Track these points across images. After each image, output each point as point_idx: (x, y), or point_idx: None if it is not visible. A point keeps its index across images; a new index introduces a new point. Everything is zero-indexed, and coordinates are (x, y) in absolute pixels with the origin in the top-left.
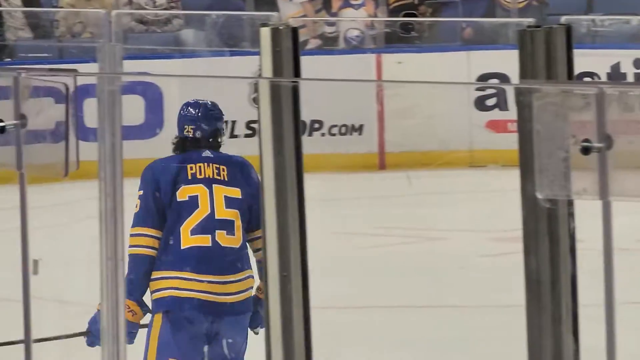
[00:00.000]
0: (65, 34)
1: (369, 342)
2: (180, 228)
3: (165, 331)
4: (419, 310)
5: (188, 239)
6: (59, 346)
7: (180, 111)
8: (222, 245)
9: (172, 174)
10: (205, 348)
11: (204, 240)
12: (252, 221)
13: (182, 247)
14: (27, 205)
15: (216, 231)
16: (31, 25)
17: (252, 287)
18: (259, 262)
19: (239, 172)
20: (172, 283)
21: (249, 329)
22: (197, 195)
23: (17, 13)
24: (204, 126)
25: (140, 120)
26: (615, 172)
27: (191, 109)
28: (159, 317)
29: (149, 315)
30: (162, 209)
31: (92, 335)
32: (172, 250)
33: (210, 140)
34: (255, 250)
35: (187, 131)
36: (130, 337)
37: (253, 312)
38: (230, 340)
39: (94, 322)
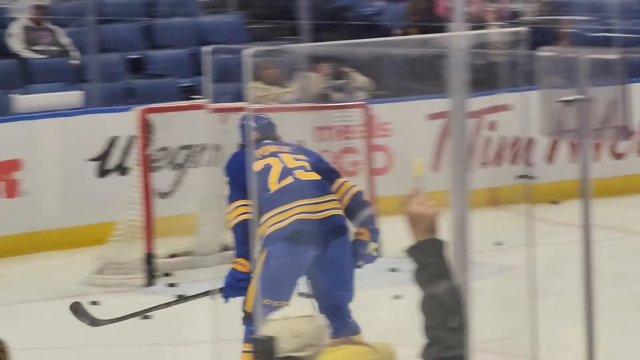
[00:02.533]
0: None
1: None
2: (267, 185)
3: (268, 260)
4: None
5: (275, 185)
6: None
7: (242, 123)
8: (302, 179)
9: (244, 162)
10: (305, 271)
11: (287, 180)
12: (327, 179)
13: (271, 192)
14: None
15: (294, 171)
16: None
17: (338, 209)
18: (354, 200)
19: (298, 148)
20: (272, 220)
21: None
22: (269, 163)
23: None
24: (267, 132)
25: None
26: None
27: (253, 121)
28: (264, 252)
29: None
30: (244, 187)
31: (226, 290)
32: (266, 200)
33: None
34: (342, 196)
35: (256, 137)
36: (242, 285)
37: (355, 250)
38: (335, 259)
39: (228, 277)
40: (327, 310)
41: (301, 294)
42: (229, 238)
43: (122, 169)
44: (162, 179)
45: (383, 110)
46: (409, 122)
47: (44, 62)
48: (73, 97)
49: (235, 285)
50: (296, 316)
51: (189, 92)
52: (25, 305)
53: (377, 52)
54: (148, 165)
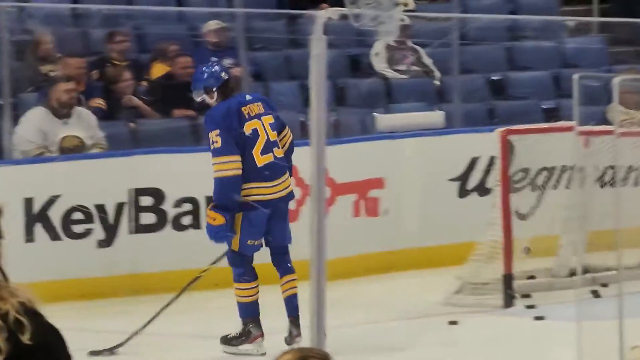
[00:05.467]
0: None
1: None
2: (253, 152)
3: (245, 223)
4: None
5: (260, 159)
6: None
7: (205, 70)
8: (277, 156)
9: (235, 115)
10: (267, 226)
11: (269, 158)
12: (280, 128)
13: (258, 166)
14: None
15: (273, 149)
16: None
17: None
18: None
19: (265, 104)
20: (254, 191)
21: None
22: (256, 128)
23: None
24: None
25: None
26: None
27: (216, 65)
28: (240, 215)
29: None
30: (235, 141)
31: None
32: (251, 169)
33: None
34: (283, 145)
35: (224, 75)
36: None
37: None
38: (282, 217)
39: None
40: (276, 254)
41: None
42: (590, 260)
43: (482, 190)
44: (521, 200)
45: None
46: None
47: (406, 82)
48: (435, 117)
49: (216, 236)
50: None
51: (551, 114)
52: (384, 325)
53: None
54: (508, 186)
